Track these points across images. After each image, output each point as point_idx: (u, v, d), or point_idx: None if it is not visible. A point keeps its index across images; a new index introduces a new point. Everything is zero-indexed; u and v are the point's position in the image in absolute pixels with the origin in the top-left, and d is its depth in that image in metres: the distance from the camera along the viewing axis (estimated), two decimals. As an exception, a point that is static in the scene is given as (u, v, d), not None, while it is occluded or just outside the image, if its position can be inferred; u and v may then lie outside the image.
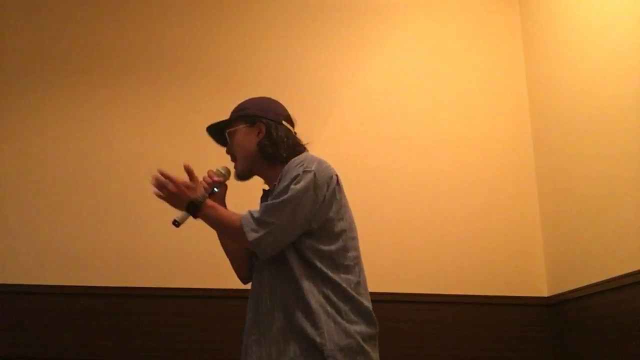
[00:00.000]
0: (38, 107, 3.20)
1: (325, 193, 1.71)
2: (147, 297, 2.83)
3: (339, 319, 1.63)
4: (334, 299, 1.65)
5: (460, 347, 2.80)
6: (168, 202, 1.72)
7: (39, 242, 2.96)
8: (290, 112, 1.83)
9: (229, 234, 1.75)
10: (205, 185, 1.84)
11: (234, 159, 1.93)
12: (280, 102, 1.94)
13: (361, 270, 1.76)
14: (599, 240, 2.49)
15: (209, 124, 2.00)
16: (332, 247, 1.70)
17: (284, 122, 1.89)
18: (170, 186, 1.70)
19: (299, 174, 1.69)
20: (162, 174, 1.71)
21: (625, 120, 2.34)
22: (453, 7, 3.34)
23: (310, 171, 1.70)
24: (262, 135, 1.85)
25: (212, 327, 2.79)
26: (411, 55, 3.27)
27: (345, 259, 1.72)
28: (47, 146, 3.14)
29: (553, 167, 2.93)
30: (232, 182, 1.92)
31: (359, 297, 1.68)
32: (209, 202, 1.72)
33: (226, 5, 3.36)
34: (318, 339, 1.59)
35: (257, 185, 1.93)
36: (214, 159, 3.11)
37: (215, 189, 1.86)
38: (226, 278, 2.86)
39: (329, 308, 1.63)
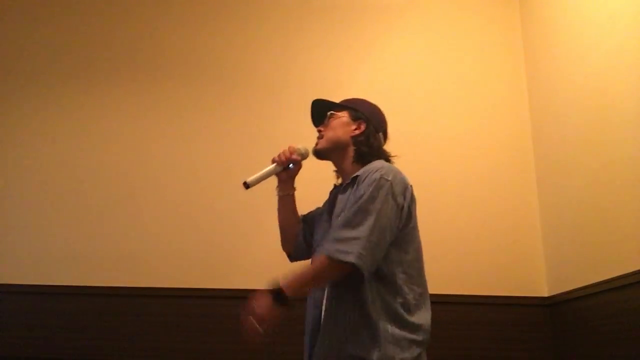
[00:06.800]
0: (38, 107, 3.21)
1: (403, 203, 1.71)
2: (147, 297, 2.84)
3: (397, 331, 1.67)
4: (397, 311, 1.69)
5: (460, 347, 2.79)
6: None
7: (39, 242, 2.97)
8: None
9: (324, 278, 1.65)
10: (284, 158, 1.91)
11: (320, 138, 1.94)
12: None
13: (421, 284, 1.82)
14: (599, 240, 2.48)
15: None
16: (409, 257, 1.75)
17: (380, 134, 1.95)
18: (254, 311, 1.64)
19: (375, 180, 1.68)
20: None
21: (625, 120, 2.34)
22: (453, 7, 3.34)
23: (387, 180, 1.69)
24: (359, 132, 1.89)
25: (211, 327, 2.79)
26: (411, 55, 3.27)
27: (414, 269, 1.77)
28: (48, 147, 3.14)
29: (553, 167, 2.92)
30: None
31: (414, 312, 1.76)
32: (282, 282, 1.60)
33: (226, 6, 3.36)
34: (375, 355, 1.60)
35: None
36: (214, 158, 3.13)
37: (291, 165, 1.95)
38: (225, 278, 2.90)
39: (388, 326, 1.66)
